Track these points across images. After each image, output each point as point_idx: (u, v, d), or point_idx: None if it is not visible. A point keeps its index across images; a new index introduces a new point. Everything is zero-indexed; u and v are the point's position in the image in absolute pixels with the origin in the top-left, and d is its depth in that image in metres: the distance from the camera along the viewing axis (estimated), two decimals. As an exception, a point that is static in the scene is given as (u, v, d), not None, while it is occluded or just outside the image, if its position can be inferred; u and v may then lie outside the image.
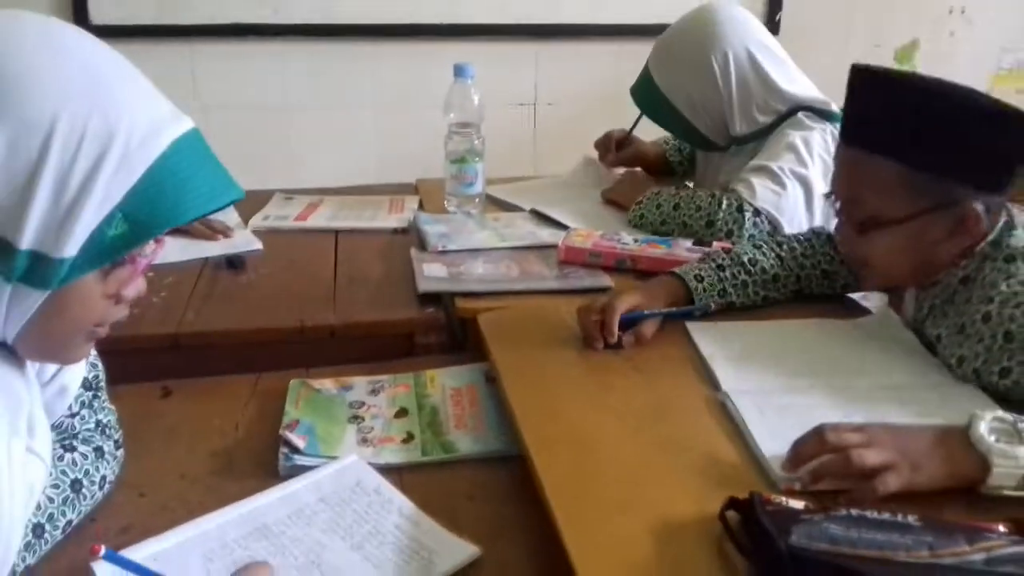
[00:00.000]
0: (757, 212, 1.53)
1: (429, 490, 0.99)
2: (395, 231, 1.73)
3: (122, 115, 0.72)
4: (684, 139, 1.92)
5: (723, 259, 1.33)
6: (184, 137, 0.77)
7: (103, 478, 0.94)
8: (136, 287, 0.80)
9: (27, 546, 0.83)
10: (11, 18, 0.73)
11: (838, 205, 1.19)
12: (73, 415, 0.94)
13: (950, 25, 3.77)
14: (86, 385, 0.95)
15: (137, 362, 1.26)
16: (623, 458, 0.96)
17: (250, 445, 1.08)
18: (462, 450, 1.07)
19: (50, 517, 0.86)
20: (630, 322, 1.22)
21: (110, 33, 3.12)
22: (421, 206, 1.87)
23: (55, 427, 0.92)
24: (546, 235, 1.63)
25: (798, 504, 0.82)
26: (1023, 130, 1.06)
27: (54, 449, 0.89)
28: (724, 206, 1.54)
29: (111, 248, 0.73)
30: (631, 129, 1.96)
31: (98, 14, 3.00)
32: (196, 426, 1.12)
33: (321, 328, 1.32)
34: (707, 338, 1.22)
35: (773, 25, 3.49)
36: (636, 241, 1.51)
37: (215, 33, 3.10)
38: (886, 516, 0.79)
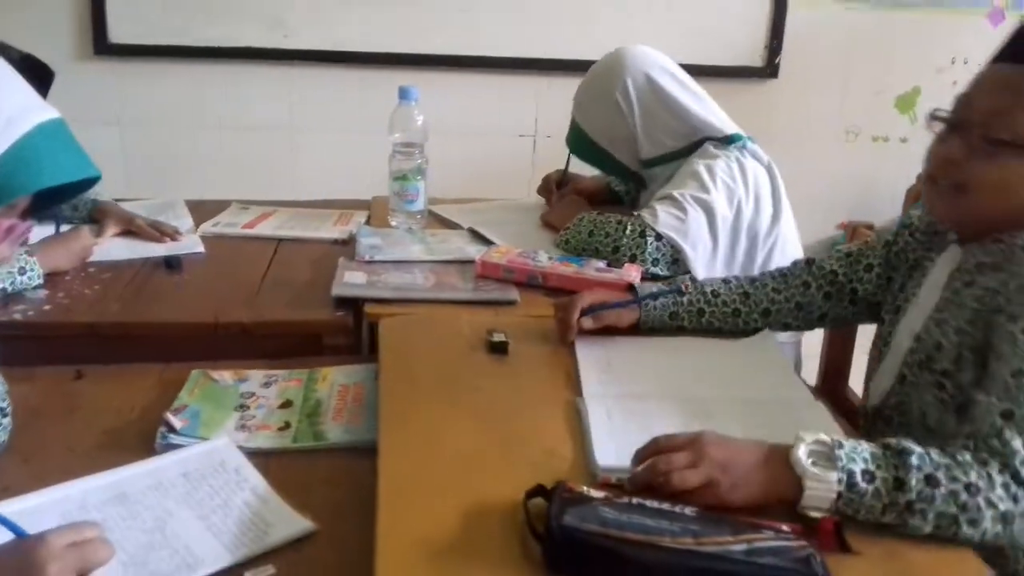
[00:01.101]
0: (659, 237, 1.60)
1: (291, 473, 1.06)
2: (335, 242, 1.81)
3: None
4: (612, 174, 2.01)
5: (688, 287, 1.37)
6: (48, 123, 0.88)
7: (-16, 443, 1.03)
8: None
9: None
10: None
11: (954, 116, 1.10)
12: (-43, 384, 1.03)
13: (952, 74, 3.77)
14: (-27, 358, 1.04)
15: (59, 347, 1.36)
16: (463, 450, 1.02)
17: (141, 426, 1.15)
18: (331, 439, 1.14)
19: (-75, 474, 0.94)
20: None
21: (127, 52, 3.28)
22: (369, 220, 1.95)
23: (-61, 394, 1.01)
24: (473, 251, 1.69)
25: (599, 493, 0.88)
26: None
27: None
28: (628, 232, 1.62)
29: None
30: (565, 168, 2.04)
31: (116, 33, 3.17)
32: (97, 406, 1.20)
33: (233, 324, 1.40)
34: (587, 348, 1.28)
35: (772, 68, 3.54)
36: (550, 259, 1.58)
37: (225, 56, 3.25)
38: (664, 505, 0.84)
